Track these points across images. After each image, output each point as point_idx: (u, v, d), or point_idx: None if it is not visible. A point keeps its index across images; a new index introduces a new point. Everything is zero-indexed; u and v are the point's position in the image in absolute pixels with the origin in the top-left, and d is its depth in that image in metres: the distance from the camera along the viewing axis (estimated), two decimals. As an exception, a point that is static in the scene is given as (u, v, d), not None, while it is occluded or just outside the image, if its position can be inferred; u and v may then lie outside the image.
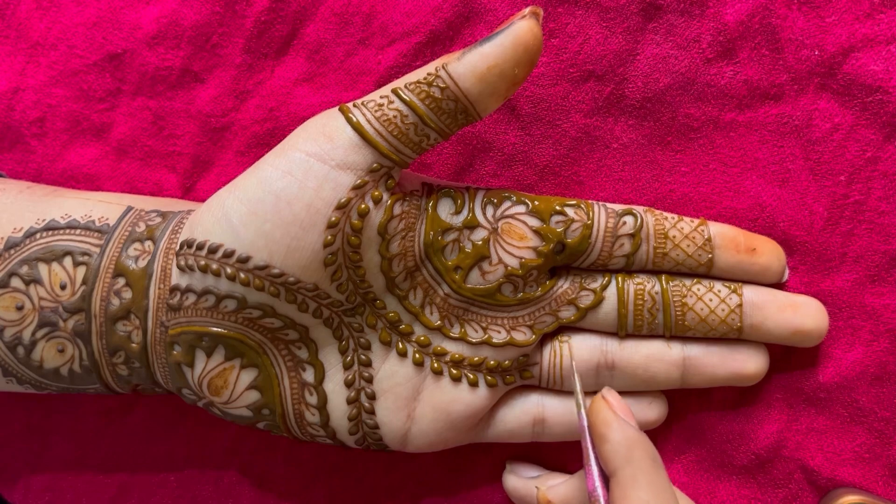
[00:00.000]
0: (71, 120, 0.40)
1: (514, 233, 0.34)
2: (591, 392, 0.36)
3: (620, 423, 0.30)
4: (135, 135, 0.40)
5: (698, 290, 0.35)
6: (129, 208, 0.35)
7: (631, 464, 0.29)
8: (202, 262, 0.31)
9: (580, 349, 0.35)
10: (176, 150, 0.40)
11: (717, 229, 0.35)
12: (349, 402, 0.34)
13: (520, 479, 0.37)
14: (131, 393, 0.36)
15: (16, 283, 0.33)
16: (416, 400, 0.34)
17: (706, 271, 0.35)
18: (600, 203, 0.35)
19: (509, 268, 0.34)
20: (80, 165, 0.40)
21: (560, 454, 0.39)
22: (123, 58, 0.40)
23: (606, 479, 0.30)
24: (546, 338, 0.36)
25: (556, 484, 0.35)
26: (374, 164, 0.31)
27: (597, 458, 0.31)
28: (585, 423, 0.31)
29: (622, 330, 0.35)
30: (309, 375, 0.34)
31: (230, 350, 0.33)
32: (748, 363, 0.35)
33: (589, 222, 0.34)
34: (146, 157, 0.40)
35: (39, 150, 0.40)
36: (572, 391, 0.36)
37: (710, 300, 0.35)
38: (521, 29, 0.30)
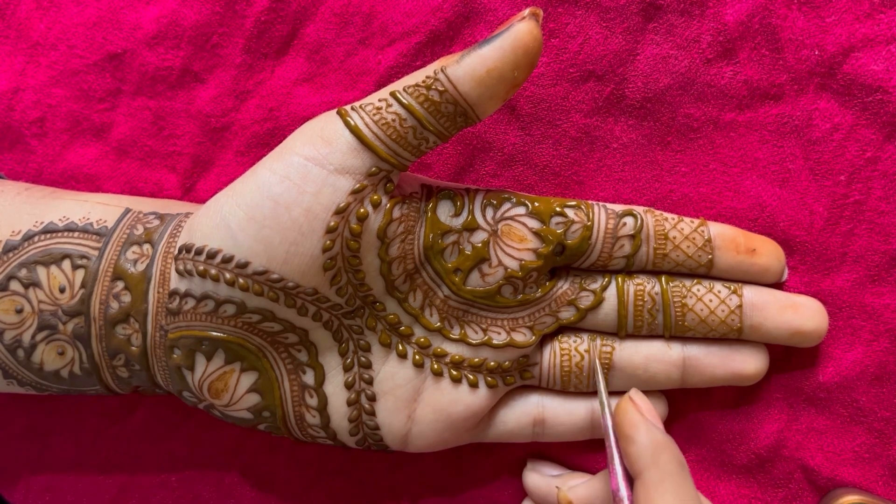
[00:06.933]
0: (71, 120, 0.40)
1: (513, 234, 0.34)
2: (592, 392, 0.36)
3: (648, 426, 0.30)
4: (135, 135, 0.40)
5: (698, 290, 0.35)
6: (127, 210, 0.35)
7: (657, 467, 0.29)
8: (201, 267, 0.31)
9: (579, 349, 0.35)
10: (176, 150, 0.40)
11: (716, 230, 0.35)
12: (349, 403, 0.34)
13: (542, 477, 0.37)
14: (132, 393, 0.36)
15: (15, 286, 0.33)
16: (417, 401, 0.34)
17: (706, 272, 0.35)
18: (600, 204, 0.35)
19: (509, 269, 0.34)
20: (80, 165, 0.40)
21: (561, 455, 0.39)
22: (123, 58, 0.40)
23: (631, 480, 0.30)
24: (546, 338, 0.36)
25: (577, 484, 0.34)
26: (373, 168, 0.31)
27: (621, 459, 0.30)
28: (610, 423, 0.31)
29: (622, 330, 0.35)
30: (309, 378, 0.34)
31: (230, 354, 0.32)
32: (748, 363, 0.35)
33: (589, 224, 0.34)
34: (146, 157, 0.40)
35: (39, 150, 0.40)
36: (572, 392, 0.36)
37: (710, 301, 0.35)
38: (521, 31, 0.30)
